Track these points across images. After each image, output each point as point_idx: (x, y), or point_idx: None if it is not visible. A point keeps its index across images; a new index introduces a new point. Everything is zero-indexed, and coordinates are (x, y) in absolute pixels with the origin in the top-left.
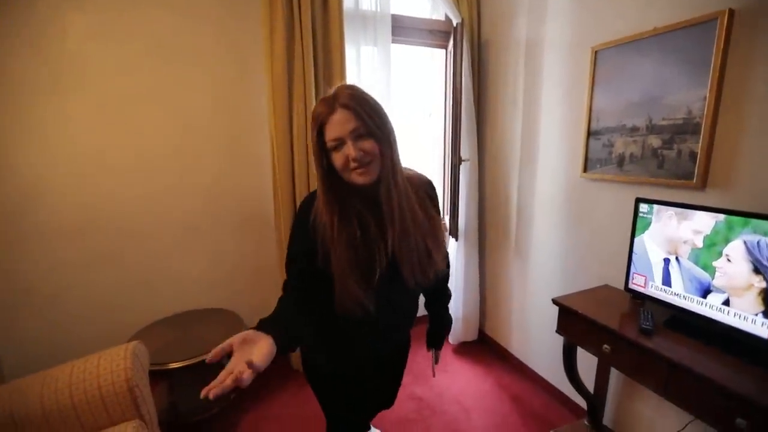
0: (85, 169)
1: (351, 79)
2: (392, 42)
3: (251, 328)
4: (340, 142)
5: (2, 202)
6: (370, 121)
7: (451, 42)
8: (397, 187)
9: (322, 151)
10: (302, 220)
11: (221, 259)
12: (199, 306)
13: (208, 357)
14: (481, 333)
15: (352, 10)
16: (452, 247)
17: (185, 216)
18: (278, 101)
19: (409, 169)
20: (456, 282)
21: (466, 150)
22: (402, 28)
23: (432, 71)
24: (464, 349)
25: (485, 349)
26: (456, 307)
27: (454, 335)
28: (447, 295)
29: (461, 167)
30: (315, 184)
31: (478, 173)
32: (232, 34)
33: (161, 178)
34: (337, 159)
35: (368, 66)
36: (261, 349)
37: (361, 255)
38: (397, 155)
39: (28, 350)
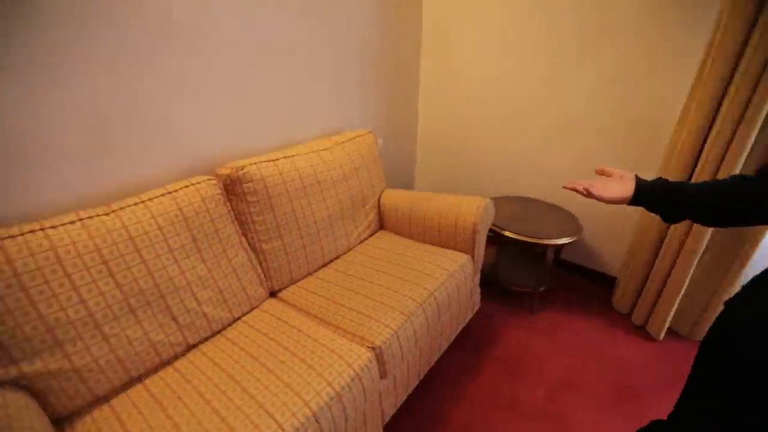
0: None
1: None
2: None
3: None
4: None
5: (450, 76)
6: None
7: None
8: None
9: None
10: None
11: (589, 159)
12: (545, 198)
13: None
14: None
15: None
16: None
17: (565, 114)
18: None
19: None
20: None
21: None
22: None
23: None
24: None
25: None
26: None
27: None
28: None
29: None
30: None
31: None
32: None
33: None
34: None
35: None
36: (615, 190)
37: None
38: None
39: (432, 178)
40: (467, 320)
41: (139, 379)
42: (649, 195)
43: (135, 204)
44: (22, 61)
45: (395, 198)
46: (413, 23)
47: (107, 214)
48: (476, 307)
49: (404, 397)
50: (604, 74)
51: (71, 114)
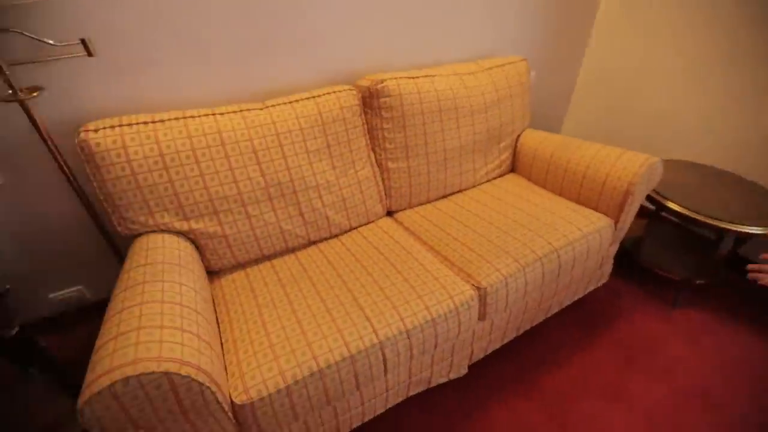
0: None
1: None
2: None
3: None
4: None
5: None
6: None
7: None
8: None
9: None
10: None
11: None
12: (740, 171)
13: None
14: None
15: None
16: None
17: None
18: None
19: None
20: None
21: None
22: None
23: None
24: None
25: None
26: None
27: None
28: None
29: None
30: None
31: None
32: None
33: None
34: None
35: None
36: None
37: None
38: None
39: (584, 126)
40: (587, 291)
41: (268, 257)
42: None
43: (283, 103)
44: None
45: (536, 140)
46: None
47: (261, 109)
48: (603, 281)
49: (497, 346)
50: None
51: (236, 16)
